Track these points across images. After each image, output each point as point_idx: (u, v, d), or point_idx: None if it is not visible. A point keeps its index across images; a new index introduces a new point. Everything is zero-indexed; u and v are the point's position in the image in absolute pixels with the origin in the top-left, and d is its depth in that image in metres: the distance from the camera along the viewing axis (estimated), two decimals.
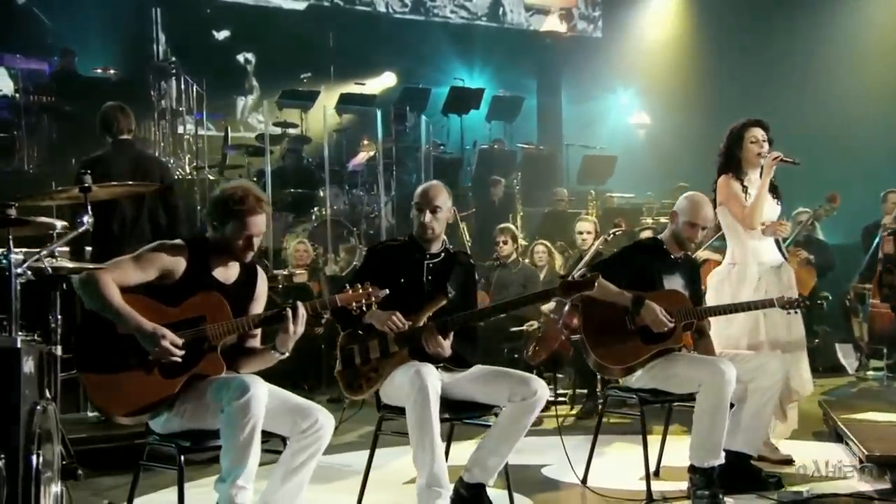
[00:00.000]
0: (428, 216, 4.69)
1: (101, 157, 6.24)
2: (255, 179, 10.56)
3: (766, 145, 5.72)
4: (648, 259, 5.23)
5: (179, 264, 3.96)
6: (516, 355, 8.29)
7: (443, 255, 4.80)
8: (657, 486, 5.12)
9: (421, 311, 4.59)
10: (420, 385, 4.31)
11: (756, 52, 16.49)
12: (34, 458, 2.97)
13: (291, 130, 12.49)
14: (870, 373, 9.40)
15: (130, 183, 5.33)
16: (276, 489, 3.98)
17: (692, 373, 4.92)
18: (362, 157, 12.82)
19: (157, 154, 12.03)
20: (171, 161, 12.12)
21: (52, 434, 3.19)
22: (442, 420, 4.54)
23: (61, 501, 3.28)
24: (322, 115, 13.26)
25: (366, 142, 12.35)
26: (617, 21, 18.55)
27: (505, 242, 8.85)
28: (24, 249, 4.01)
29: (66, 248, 5.49)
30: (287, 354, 4.12)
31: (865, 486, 5.02)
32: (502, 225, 9.16)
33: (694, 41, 17.58)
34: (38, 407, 3.07)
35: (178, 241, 4.06)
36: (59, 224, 4.07)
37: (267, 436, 3.99)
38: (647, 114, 18.44)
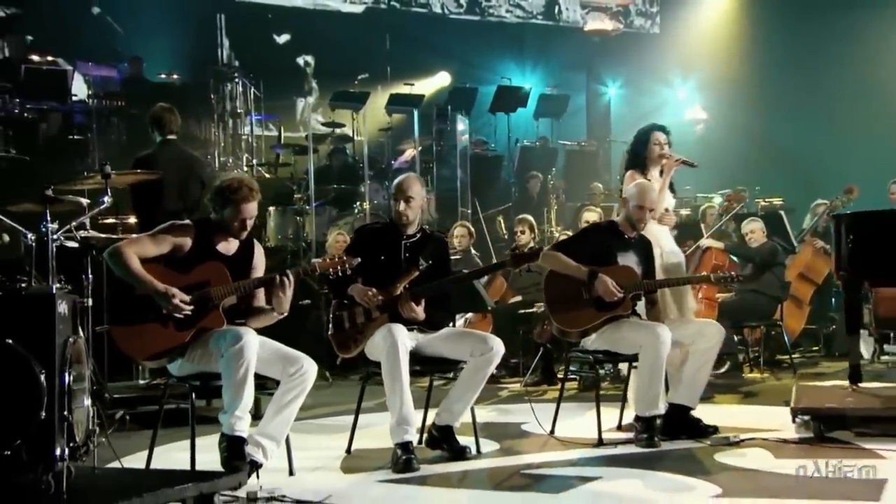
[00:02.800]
0: (402, 205, 5.59)
1: (151, 154, 7.21)
2: (304, 176, 11.53)
3: (667, 147, 6.59)
4: (605, 238, 6.04)
5: (187, 240, 4.90)
6: (529, 336, 9.06)
7: (419, 235, 5.68)
8: (616, 435, 5.92)
9: (397, 281, 5.48)
10: (392, 342, 5.20)
11: (816, 47, 16.88)
12: (67, 375, 3.92)
13: (337, 130, 13.34)
14: (884, 357, 9.63)
15: (139, 171, 6.31)
16: (270, 420, 4.89)
17: (635, 336, 5.73)
18: (408, 154, 13.67)
19: (216, 153, 13.15)
20: (230, 160, 13.18)
21: (83, 360, 4.14)
22: (415, 373, 5.47)
23: (90, 413, 4.23)
24: (373, 115, 14.34)
25: (407, 141, 13.19)
26: (675, 16, 19.05)
27: (522, 232, 9.60)
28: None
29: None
30: (285, 314, 5.04)
31: (793, 435, 5.76)
32: (520, 216, 9.95)
33: (753, 36, 18.01)
34: (70, 339, 4.02)
35: (186, 221, 5.01)
36: (85, 202, 5.05)
37: (262, 379, 4.92)
38: (704, 108, 19.07)
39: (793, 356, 9.64)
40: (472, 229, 10.01)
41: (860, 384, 6.31)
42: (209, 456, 4.79)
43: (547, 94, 16.12)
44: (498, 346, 5.41)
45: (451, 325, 5.82)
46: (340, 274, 5.11)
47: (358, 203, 11.70)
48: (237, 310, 5.01)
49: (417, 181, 5.70)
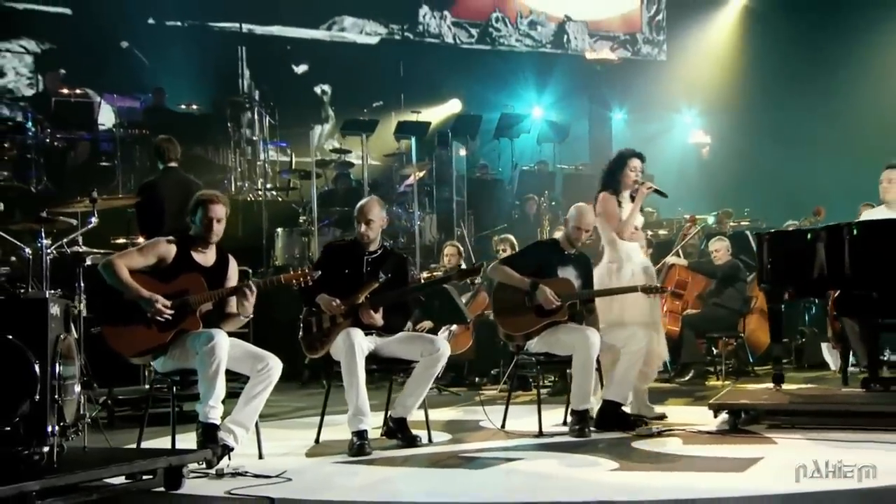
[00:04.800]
0: (364, 227, 6.39)
1: (154, 181, 8.09)
2: (307, 200, 12.40)
3: (640, 174, 7.10)
4: (546, 254, 6.82)
5: (170, 253, 5.72)
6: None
7: (380, 251, 6.47)
8: (559, 429, 6.65)
9: (359, 291, 6.28)
10: (350, 344, 6.00)
11: (812, 75, 17.68)
12: (57, 366, 4.74)
13: (343, 156, 14.20)
14: (851, 369, 10.38)
15: (120, 196, 7.16)
16: (240, 410, 5.68)
17: (568, 339, 6.48)
18: (413, 178, 14.48)
19: (233, 178, 14.04)
20: (246, 184, 14.06)
21: (73, 354, 4.96)
22: (373, 371, 6.29)
23: (80, 400, 5.06)
24: (384, 141, 15.21)
25: (410, 165, 14.00)
26: (681, 44, 19.82)
27: (504, 250, 10.30)
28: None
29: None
30: (250, 317, 5.85)
31: (711, 427, 6.47)
32: (503, 236, 10.70)
33: (754, 64, 18.83)
34: (61, 336, 4.84)
35: (170, 236, 5.83)
36: (75, 222, 5.92)
37: (233, 375, 5.73)
38: (708, 133, 19.80)
39: (757, 366, 10.32)
40: (462, 248, 10.77)
41: (782, 385, 7.01)
42: (191, 445, 5.59)
43: (550, 120, 16.90)
44: (444, 349, 6.20)
45: (407, 329, 6.62)
46: (303, 285, 5.91)
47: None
48: (213, 314, 5.82)
49: (377, 205, 6.49)
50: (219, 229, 5.79)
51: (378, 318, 6.25)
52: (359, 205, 6.49)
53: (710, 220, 13.30)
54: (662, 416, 6.94)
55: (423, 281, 9.06)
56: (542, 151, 16.68)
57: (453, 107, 17.91)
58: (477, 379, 9.96)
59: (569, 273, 6.75)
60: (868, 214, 7.55)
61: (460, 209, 13.65)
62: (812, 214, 11.32)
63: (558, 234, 7.00)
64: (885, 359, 7.47)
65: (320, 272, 5.97)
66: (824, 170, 16.28)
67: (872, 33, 17.26)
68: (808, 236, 6.76)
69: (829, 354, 10.32)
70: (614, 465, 5.34)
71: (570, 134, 16.92)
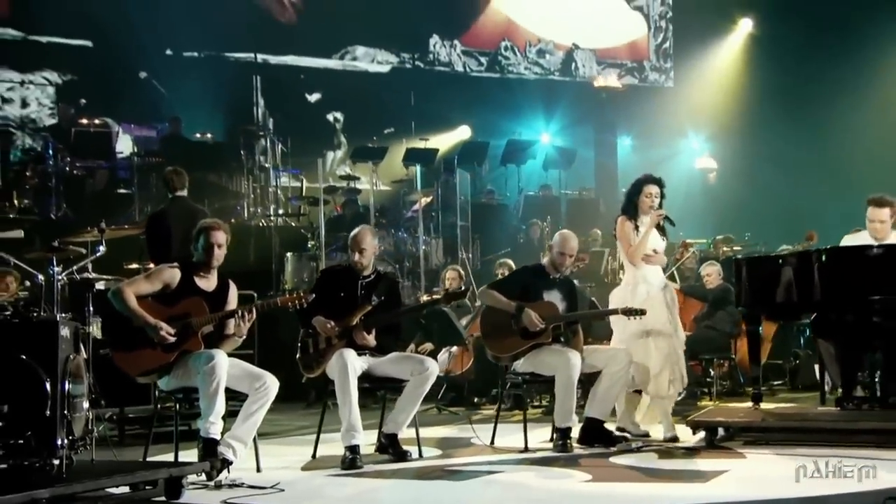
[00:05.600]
0: (357, 255, 6.78)
1: (163, 209, 8.55)
2: (312, 223, 12.83)
3: (657, 200, 7.27)
4: (532, 279, 7.19)
5: (175, 278, 6.12)
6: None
7: (373, 276, 6.86)
8: (545, 445, 6.98)
9: (353, 314, 6.66)
10: (342, 364, 6.38)
11: (816, 102, 18.04)
12: (67, 384, 5.14)
13: (352, 183, 14.68)
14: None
15: (126, 227, 7.60)
16: (239, 426, 6.04)
17: (551, 360, 6.84)
18: (422, 203, 14.89)
19: (246, 204, 14.49)
20: (258, 210, 14.51)
21: (82, 374, 5.36)
22: (366, 390, 6.65)
23: (89, 416, 5.46)
24: (393, 168, 15.65)
25: (416, 192, 14.43)
26: (688, 71, 20.20)
27: (503, 274, 10.66)
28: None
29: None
30: (244, 337, 6.22)
31: (688, 443, 6.81)
32: (501, 260, 11.09)
33: (760, 90, 19.21)
34: (71, 356, 5.24)
35: (174, 263, 6.24)
36: (83, 251, 6.36)
37: (233, 393, 6.11)
38: (714, 158, 20.16)
39: (750, 388, 10.58)
40: (463, 272, 11.14)
41: (760, 404, 7.34)
42: (194, 460, 5.96)
43: (554, 146, 17.30)
44: (432, 368, 6.56)
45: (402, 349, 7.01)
46: (299, 307, 6.30)
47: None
48: (213, 335, 6.21)
49: (369, 233, 6.89)
50: (220, 255, 6.18)
51: (371, 339, 6.63)
52: (352, 234, 6.89)
53: (706, 244, 13.60)
54: (646, 434, 7.25)
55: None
56: (548, 177, 17.05)
57: (463, 133, 18.30)
58: (476, 399, 10.29)
59: (554, 296, 7.11)
60: (851, 240, 7.76)
61: (466, 234, 14.04)
62: (805, 239, 11.62)
63: (545, 260, 7.35)
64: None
65: (314, 295, 6.35)
66: (827, 195, 16.59)
67: (874, 63, 17.64)
68: (780, 262, 7.09)
69: (822, 377, 10.58)
70: (587, 476, 5.70)
71: (576, 159, 17.27)
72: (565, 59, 20.18)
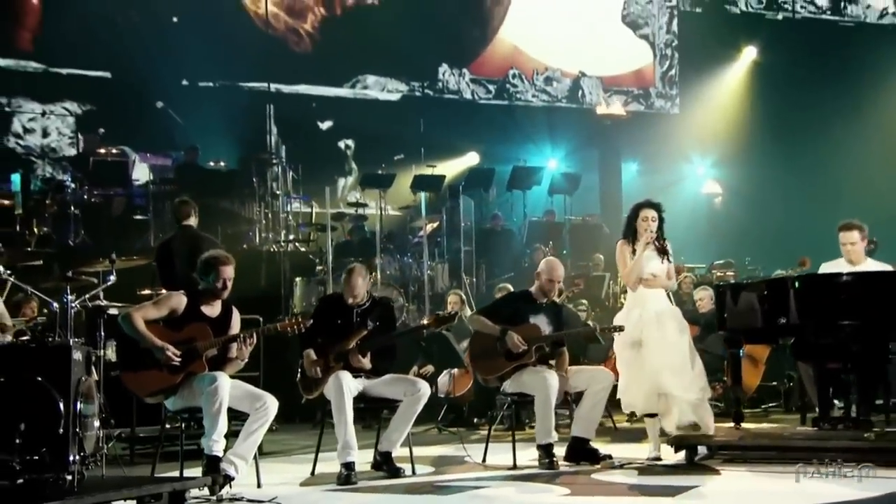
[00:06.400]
0: (350, 299, 7.20)
1: (171, 238, 9.00)
2: (322, 250, 13.26)
3: (654, 223, 7.36)
4: (517, 304, 7.59)
5: (181, 305, 6.53)
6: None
7: (367, 303, 7.27)
8: (533, 462, 7.29)
9: (349, 338, 7.07)
10: (338, 385, 6.78)
11: (819, 128, 18.43)
12: (79, 404, 5.56)
13: (353, 210, 15.24)
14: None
15: (134, 258, 8.02)
16: (241, 444, 6.43)
17: (530, 380, 7.23)
18: (428, 229, 15.30)
19: (258, 230, 14.93)
20: (270, 235, 14.94)
21: (93, 394, 5.78)
22: (361, 409, 7.05)
23: (99, 434, 5.87)
24: (402, 194, 16.08)
25: (421, 218, 14.85)
26: (694, 98, 20.58)
27: None
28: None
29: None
30: (245, 360, 6.60)
31: (669, 461, 7.16)
32: (501, 284, 11.48)
33: (765, 118, 19.60)
34: (82, 378, 5.66)
35: (181, 291, 6.65)
36: (95, 280, 6.80)
37: (235, 412, 6.51)
38: (719, 183, 20.52)
39: (746, 409, 10.89)
40: (464, 296, 11.53)
41: (741, 424, 7.68)
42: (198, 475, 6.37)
43: (561, 171, 17.70)
44: (424, 389, 6.96)
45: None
46: (297, 332, 6.71)
47: (373, 273, 13.31)
48: (217, 358, 6.62)
49: (363, 270, 7.33)
50: (229, 286, 6.59)
51: (366, 362, 7.02)
52: (345, 276, 7.31)
53: (704, 269, 13.92)
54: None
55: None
56: (553, 202, 17.44)
57: (471, 159, 18.68)
58: (476, 419, 10.64)
59: (540, 320, 7.48)
60: (828, 267, 8.09)
61: (470, 258, 14.44)
62: (798, 265, 11.95)
63: (533, 286, 7.70)
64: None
65: (312, 321, 6.76)
66: (829, 221, 16.80)
67: (875, 90, 18.01)
68: (758, 288, 7.45)
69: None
70: (566, 491, 6.07)
71: (581, 185, 17.66)
72: (572, 86, 20.56)
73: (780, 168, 18.85)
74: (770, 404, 11.84)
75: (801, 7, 21.59)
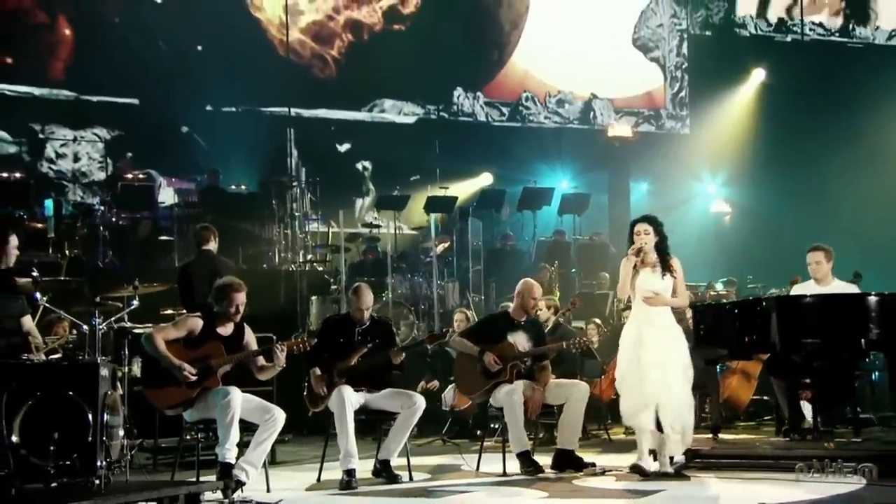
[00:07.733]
0: (358, 314, 7.88)
1: (191, 262, 9.72)
2: (338, 270, 13.95)
3: (646, 237, 7.38)
4: (496, 324, 8.26)
5: (198, 326, 7.21)
6: None
7: (368, 322, 7.92)
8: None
9: (351, 355, 7.72)
10: (340, 398, 7.44)
11: (828, 147, 18.92)
12: (105, 415, 6.25)
13: (370, 230, 15.98)
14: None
15: (155, 284, 8.67)
16: (251, 452, 7.09)
17: (499, 395, 7.87)
18: (440, 249, 15.92)
19: (277, 250, 15.59)
20: (289, 255, 15.61)
21: (118, 407, 6.47)
22: (362, 422, 7.69)
23: (124, 443, 6.56)
24: (416, 214, 16.75)
25: (432, 238, 15.49)
26: (704, 118, 21.07)
27: None
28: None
29: None
30: (284, 366, 7.23)
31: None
32: (504, 303, 12.01)
33: (774, 139, 20.06)
34: (108, 392, 6.36)
35: (198, 312, 7.33)
36: (119, 304, 7.52)
37: (246, 423, 7.17)
38: (729, 202, 21.01)
39: (741, 423, 11.50)
40: (469, 315, 12.14)
41: (719, 435, 8.28)
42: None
43: (569, 193, 18.27)
44: (420, 402, 7.61)
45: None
46: (303, 350, 7.37)
47: (385, 293, 13.95)
48: (231, 374, 7.28)
49: (368, 291, 7.99)
50: (241, 311, 7.27)
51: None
52: (353, 295, 7.98)
53: (703, 288, 14.43)
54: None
55: None
56: (563, 222, 18.00)
57: (485, 180, 19.17)
58: (479, 431, 11.21)
59: (519, 338, 8.08)
60: (800, 289, 8.69)
61: (479, 278, 15.07)
62: (790, 283, 12.46)
63: (511, 306, 8.33)
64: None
65: (317, 340, 7.44)
66: (836, 241, 17.29)
67: (883, 112, 18.48)
68: (731, 308, 8.05)
69: (805, 410, 11.45)
70: (544, 494, 6.70)
71: (591, 205, 18.20)
72: (584, 108, 21.13)
73: (788, 187, 19.30)
74: (765, 417, 12.38)
75: (810, 29, 22.08)
